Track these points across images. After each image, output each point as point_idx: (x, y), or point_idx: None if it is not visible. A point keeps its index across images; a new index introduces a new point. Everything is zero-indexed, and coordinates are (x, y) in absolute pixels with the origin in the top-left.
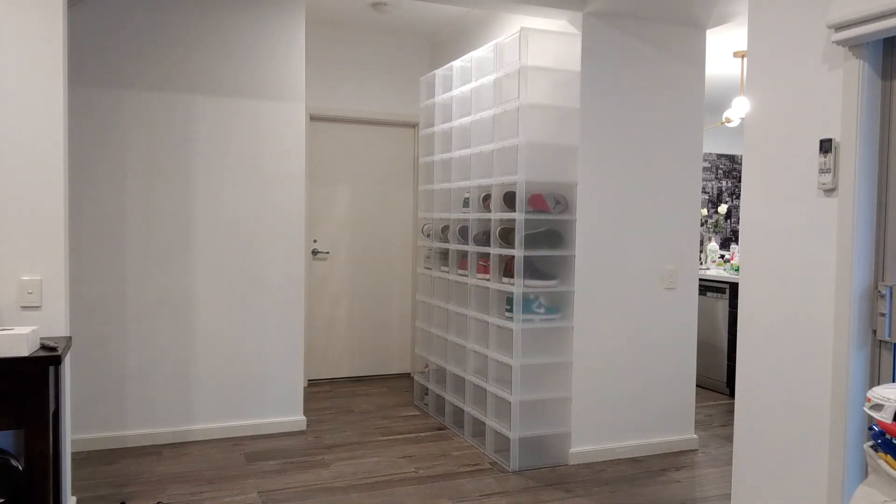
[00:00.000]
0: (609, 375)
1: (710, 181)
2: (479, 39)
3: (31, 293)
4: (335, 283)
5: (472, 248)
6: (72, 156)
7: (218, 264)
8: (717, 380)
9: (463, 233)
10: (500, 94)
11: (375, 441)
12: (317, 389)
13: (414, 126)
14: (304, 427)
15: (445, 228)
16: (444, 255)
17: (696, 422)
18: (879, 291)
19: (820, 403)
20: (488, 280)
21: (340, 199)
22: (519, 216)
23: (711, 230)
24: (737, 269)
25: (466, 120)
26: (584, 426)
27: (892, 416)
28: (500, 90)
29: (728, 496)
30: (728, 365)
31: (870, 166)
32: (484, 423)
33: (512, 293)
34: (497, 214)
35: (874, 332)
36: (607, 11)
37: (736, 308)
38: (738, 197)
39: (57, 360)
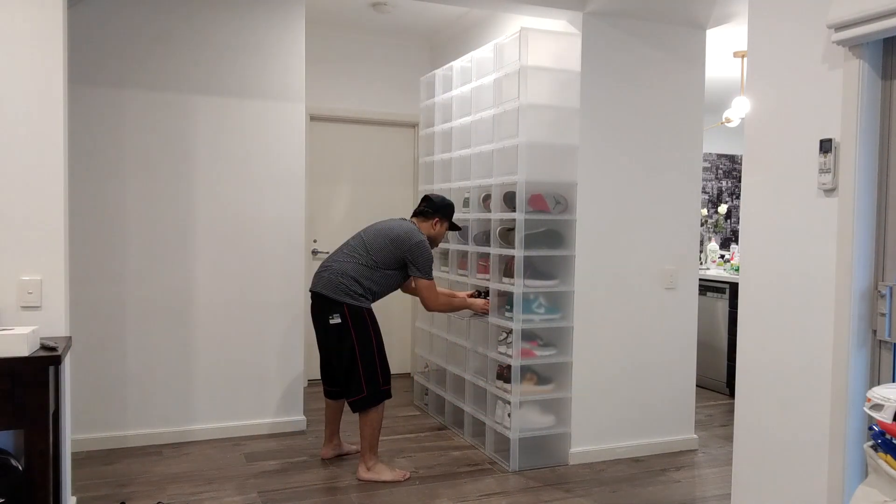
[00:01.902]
0: (609, 375)
1: (710, 181)
2: (479, 39)
3: (31, 293)
4: None
5: (472, 248)
6: (72, 156)
7: (218, 264)
8: (717, 380)
9: (463, 233)
10: (500, 94)
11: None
12: (317, 389)
13: (414, 126)
14: (304, 427)
15: None
16: (444, 255)
17: (696, 422)
18: (879, 291)
19: (820, 403)
20: (488, 280)
21: (340, 199)
22: (519, 216)
23: (711, 230)
24: (737, 269)
25: (466, 120)
26: (584, 426)
27: (892, 416)
28: (500, 90)
29: (728, 496)
30: (728, 365)
31: (870, 166)
32: (484, 423)
33: (512, 293)
34: (497, 214)
35: (874, 332)
36: (607, 11)
37: (736, 308)
38: (738, 197)
39: (57, 360)
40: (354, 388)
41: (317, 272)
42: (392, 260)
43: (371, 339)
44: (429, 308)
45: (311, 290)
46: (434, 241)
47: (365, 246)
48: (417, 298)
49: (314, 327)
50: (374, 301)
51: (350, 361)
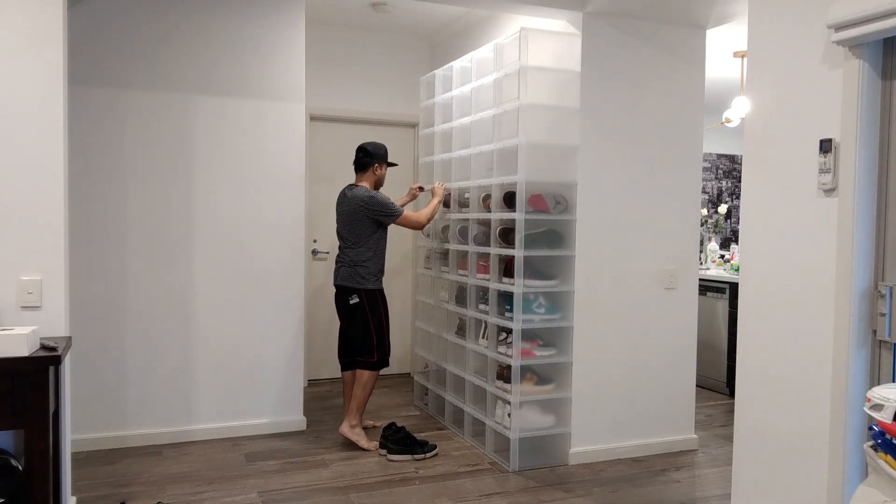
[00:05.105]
0: (609, 375)
1: (710, 181)
2: (479, 39)
3: (31, 293)
4: None
5: (472, 248)
6: (72, 156)
7: (218, 264)
8: (717, 380)
9: (463, 233)
10: (500, 94)
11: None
12: (317, 389)
13: (414, 126)
14: (304, 427)
15: (445, 228)
16: (444, 255)
17: (696, 422)
18: (879, 291)
19: (820, 403)
20: (488, 280)
21: None
22: (519, 216)
23: (711, 230)
24: (737, 269)
25: (466, 120)
26: (584, 426)
27: (892, 416)
28: (500, 90)
29: (728, 496)
30: (728, 365)
31: (870, 166)
32: (484, 423)
33: (512, 293)
34: (497, 214)
35: (874, 332)
36: (607, 11)
37: (736, 308)
38: (738, 197)
39: (57, 360)
40: (367, 353)
41: (336, 268)
42: (366, 228)
43: (381, 316)
44: (421, 227)
45: (335, 284)
46: (379, 183)
47: (347, 234)
48: (417, 299)
49: (337, 311)
50: (381, 275)
51: (365, 333)
